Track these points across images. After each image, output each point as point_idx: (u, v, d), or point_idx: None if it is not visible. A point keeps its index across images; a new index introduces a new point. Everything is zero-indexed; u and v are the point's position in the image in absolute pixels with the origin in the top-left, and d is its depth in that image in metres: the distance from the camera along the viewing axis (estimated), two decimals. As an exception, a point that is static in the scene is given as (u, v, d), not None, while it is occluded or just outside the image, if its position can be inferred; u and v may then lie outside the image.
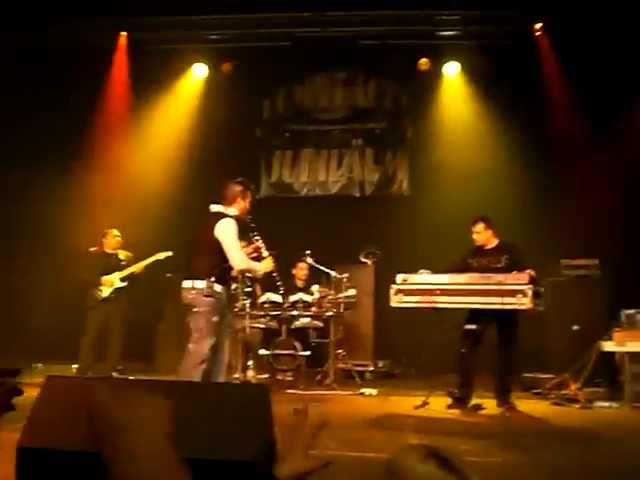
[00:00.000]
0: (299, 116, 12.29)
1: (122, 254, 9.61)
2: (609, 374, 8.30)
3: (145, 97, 11.63)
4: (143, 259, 9.46)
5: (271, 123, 12.35)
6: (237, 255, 6.24)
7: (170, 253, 9.40)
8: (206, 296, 6.12)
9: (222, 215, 6.30)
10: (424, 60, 11.34)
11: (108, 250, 9.60)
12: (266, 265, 6.60)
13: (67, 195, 10.94)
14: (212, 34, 11.67)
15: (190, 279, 6.22)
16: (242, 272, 6.92)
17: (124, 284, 9.44)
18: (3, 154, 11.05)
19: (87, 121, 11.34)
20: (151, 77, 11.61)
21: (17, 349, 10.18)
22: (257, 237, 6.68)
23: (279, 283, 7.32)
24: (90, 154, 11.28)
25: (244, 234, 6.75)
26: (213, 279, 6.14)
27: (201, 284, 6.13)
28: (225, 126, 11.50)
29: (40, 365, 9.85)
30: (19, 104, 10.93)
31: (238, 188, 6.46)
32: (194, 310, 6.17)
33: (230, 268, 6.35)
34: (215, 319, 6.14)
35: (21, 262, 11.21)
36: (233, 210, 6.40)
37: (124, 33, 11.66)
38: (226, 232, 6.21)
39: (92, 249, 9.63)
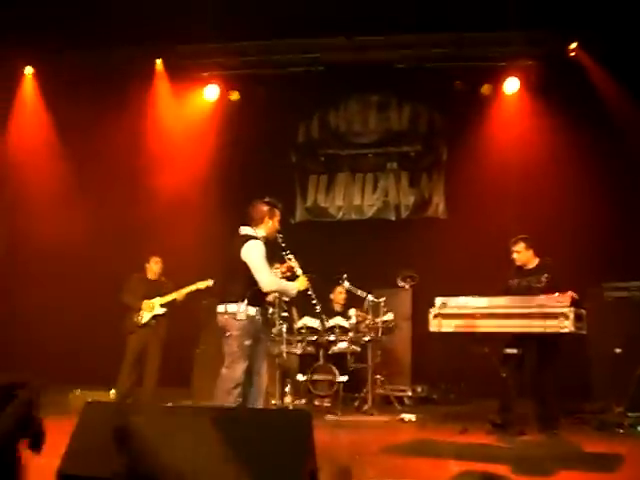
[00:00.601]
0: (334, 140, 12.30)
1: (163, 280, 9.73)
2: (652, 398, 8.11)
3: (182, 123, 11.72)
4: (183, 287, 9.48)
5: (306, 147, 12.37)
6: (265, 277, 6.18)
7: (211, 283, 9.42)
8: (238, 320, 6.08)
9: (249, 237, 6.28)
10: (486, 86, 11.25)
11: (150, 276, 9.74)
12: (299, 284, 6.46)
13: (109, 221, 11.17)
14: (245, 60, 11.71)
15: (223, 303, 6.21)
16: (273, 293, 6.74)
17: (164, 310, 9.51)
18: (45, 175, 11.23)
19: (128, 147, 11.47)
20: (189, 103, 11.75)
21: (55, 375, 10.28)
22: (290, 256, 6.56)
23: (314, 302, 7.01)
24: (129, 179, 11.45)
25: (276, 254, 6.70)
26: (245, 302, 6.11)
27: (233, 307, 6.11)
28: (261, 151, 11.60)
29: (79, 391, 9.86)
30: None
31: (265, 208, 6.39)
32: (227, 334, 6.14)
33: (267, 292, 6.35)
34: (247, 343, 6.08)
35: (61, 286, 11.30)
36: (261, 231, 6.36)
37: (159, 60, 11.74)
38: (253, 254, 6.18)
39: (135, 274, 9.76)
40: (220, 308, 6.22)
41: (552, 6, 9.70)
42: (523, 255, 7.81)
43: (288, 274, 6.60)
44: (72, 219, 11.23)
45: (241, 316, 6.07)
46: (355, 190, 12.15)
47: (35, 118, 11.72)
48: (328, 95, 12.10)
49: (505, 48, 11.06)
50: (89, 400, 3.64)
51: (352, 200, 12.13)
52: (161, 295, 9.51)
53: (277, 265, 6.74)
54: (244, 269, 6.15)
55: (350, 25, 10.84)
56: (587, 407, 8.61)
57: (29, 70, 11.72)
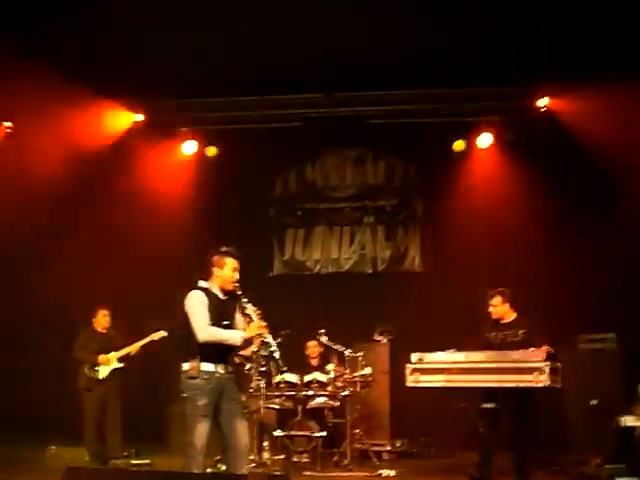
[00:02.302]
0: (311, 194, 12.45)
1: (113, 333, 9.61)
2: (629, 449, 8.14)
3: (159, 178, 11.77)
4: (137, 339, 9.46)
5: (283, 202, 12.50)
6: (198, 326, 5.68)
7: (164, 333, 9.40)
8: (190, 378, 5.67)
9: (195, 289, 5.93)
10: (458, 142, 11.45)
11: (100, 329, 9.61)
12: (248, 331, 5.83)
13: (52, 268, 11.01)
14: (223, 115, 11.88)
15: (181, 362, 5.79)
16: (209, 343, 5.76)
17: (121, 365, 9.43)
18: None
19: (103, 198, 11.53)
20: (167, 158, 11.82)
21: (29, 431, 10.17)
22: (247, 304, 5.94)
23: (273, 348, 6.05)
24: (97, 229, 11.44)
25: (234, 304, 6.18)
26: (198, 358, 5.67)
27: (185, 366, 5.71)
28: (237, 206, 11.68)
29: (54, 448, 9.75)
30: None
31: (214, 257, 5.91)
32: (183, 396, 5.74)
33: (230, 346, 5.82)
34: (202, 403, 5.61)
35: (33, 341, 11.20)
36: (212, 282, 5.90)
37: (140, 116, 11.85)
38: (188, 304, 5.79)
39: (85, 328, 9.62)
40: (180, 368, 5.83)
41: (521, 63, 9.96)
42: (500, 309, 7.89)
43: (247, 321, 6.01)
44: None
45: (193, 373, 5.65)
46: (332, 243, 12.27)
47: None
48: (305, 150, 12.27)
49: (477, 104, 11.31)
50: (69, 465, 3.64)
51: (329, 253, 12.25)
52: (114, 348, 9.40)
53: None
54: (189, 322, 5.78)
55: (327, 81, 11.07)
56: (564, 459, 8.63)
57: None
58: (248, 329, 5.81)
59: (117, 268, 11.13)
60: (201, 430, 5.59)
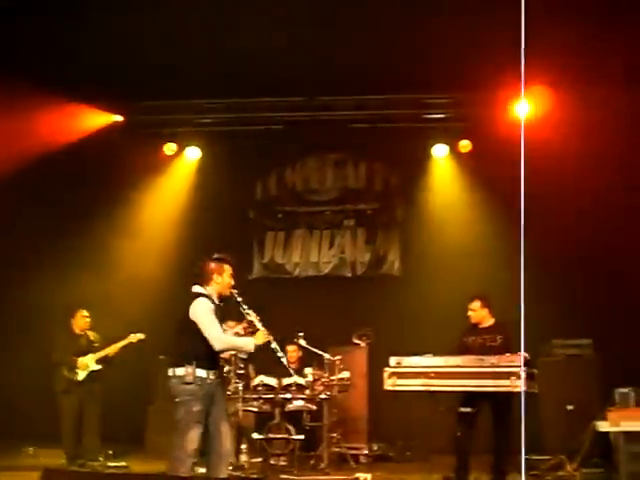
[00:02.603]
0: (291, 197, 12.45)
1: (92, 335, 9.53)
2: (605, 454, 8.22)
3: (137, 180, 11.76)
4: (115, 341, 9.41)
5: (263, 204, 12.49)
6: (214, 334, 5.86)
7: (142, 336, 9.42)
8: (186, 384, 5.79)
9: (197, 295, 6.02)
10: (465, 142, 11.50)
11: (77, 331, 9.52)
12: (257, 339, 6.07)
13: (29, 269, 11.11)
14: (205, 118, 11.88)
15: (172, 366, 5.92)
16: (225, 352, 6.33)
17: (99, 367, 9.36)
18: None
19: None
20: (143, 160, 11.76)
21: (6, 432, 10.12)
22: (248, 311, 6.22)
23: (280, 354, 6.51)
24: (78, 232, 11.41)
25: (232, 311, 6.44)
26: (194, 364, 5.81)
27: (180, 371, 5.82)
28: (218, 208, 11.68)
29: (31, 449, 9.70)
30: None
31: (212, 265, 6.11)
32: (175, 400, 5.85)
33: (217, 351, 6.00)
34: (197, 409, 5.76)
35: (4, 341, 11.16)
36: (210, 288, 6.07)
37: (119, 117, 11.83)
38: (199, 312, 5.90)
39: (62, 330, 9.54)
40: (170, 372, 5.92)
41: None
42: (479, 313, 7.96)
43: (250, 330, 6.24)
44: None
45: (189, 379, 5.78)
46: (312, 247, 12.27)
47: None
48: (286, 153, 12.27)
49: (460, 109, 11.36)
50: (46, 466, 3.63)
51: (309, 257, 12.25)
52: (92, 350, 9.34)
53: (230, 323, 6.56)
54: (192, 329, 5.88)
55: (308, 85, 11.10)
56: (541, 464, 8.68)
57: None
58: (257, 336, 6.07)
59: (97, 270, 11.14)
60: (193, 435, 5.72)
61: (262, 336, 6.07)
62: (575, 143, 9.98)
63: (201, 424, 5.78)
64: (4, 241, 11.06)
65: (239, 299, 6.20)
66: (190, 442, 5.70)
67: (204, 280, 6.10)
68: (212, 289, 6.07)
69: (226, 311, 6.30)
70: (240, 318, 6.38)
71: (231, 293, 6.16)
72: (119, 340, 9.40)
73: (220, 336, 5.90)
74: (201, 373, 5.82)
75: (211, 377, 5.88)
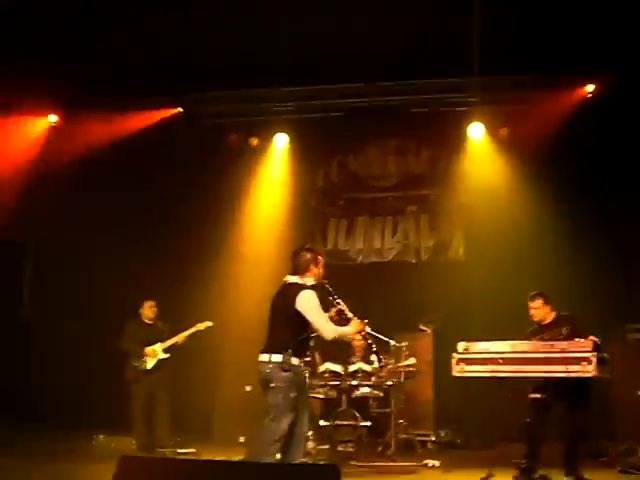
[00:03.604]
0: (353, 184, 12.43)
1: (160, 324, 9.71)
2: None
3: (200, 169, 11.87)
4: (183, 330, 9.53)
5: (326, 192, 12.51)
6: (325, 325, 6.02)
7: (210, 323, 9.50)
8: (285, 371, 5.91)
9: (300, 286, 6.10)
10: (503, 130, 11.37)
11: (146, 320, 9.72)
12: (354, 327, 6.27)
13: (105, 262, 11.27)
14: (268, 106, 11.90)
15: (267, 353, 6.00)
16: (333, 340, 6.19)
17: (167, 355, 9.51)
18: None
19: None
20: (209, 149, 11.90)
21: (75, 422, 10.34)
22: (338, 300, 6.39)
23: (371, 341, 6.86)
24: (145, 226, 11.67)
25: (323, 300, 6.40)
26: (290, 352, 5.94)
27: (278, 358, 5.92)
28: (280, 196, 11.71)
29: (102, 437, 9.88)
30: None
31: (309, 255, 6.26)
32: (271, 385, 5.92)
33: (308, 340, 6.13)
34: (293, 395, 5.90)
35: (77, 328, 11.40)
36: (309, 279, 6.20)
37: (179, 109, 11.95)
38: (309, 304, 6.00)
39: (132, 320, 9.75)
40: (263, 357, 6.02)
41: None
42: (541, 311, 7.79)
43: (336, 318, 6.35)
44: (81, 266, 11.40)
45: (286, 366, 5.91)
46: (375, 233, 12.24)
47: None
48: (347, 140, 12.24)
49: (519, 92, 11.18)
50: (121, 454, 3.68)
51: (372, 243, 12.22)
52: (161, 339, 9.50)
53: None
54: (293, 318, 5.99)
55: (368, 71, 11.04)
56: (611, 450, 8.54)
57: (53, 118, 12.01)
58: (353, 324, 6.25)
59: (166, 261, 11.35)
60: (287, 421, 5.85)
61: (357, 325, 6.27)
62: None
63: (295, 411, 5.93)
64: (70, 234, 11.30)
65: (330, 289, 6.39)
66: (284, 427, 5.84)
67: (301, 270, 6.22)
68: (309, 279, 6.20)
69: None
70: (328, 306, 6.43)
71: (322, 283, 6.33)
72: (187, 329, 9.52)
73: (331, 326, 6.06)
74: (295, 361, 5.96)
75: (302, 366, 6.08)
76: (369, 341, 6.72)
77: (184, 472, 3.47)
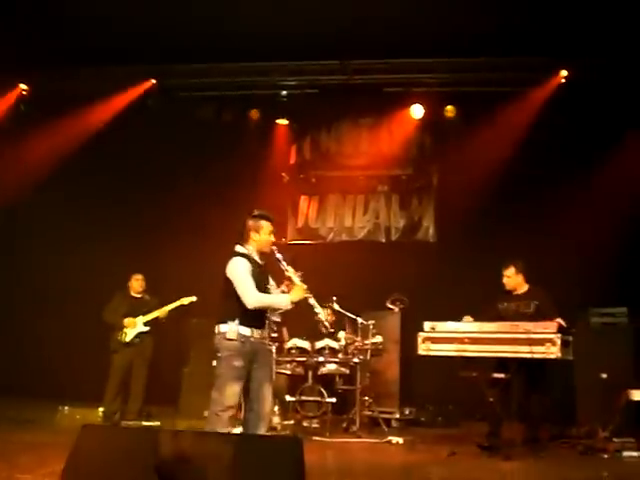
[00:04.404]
0: (325, 162, 12.41)
1: (147, 298, 9.74)
2: (637, 423, 8.17)
3: (173, 143, 11.81)
4: (167, 304, 9.52)
5: (298, 169, 12.48)
6: (247, 293, 5.83)
7: (194, 298, 9.49)
8: (228, 339, 5.81)
9: (233, 254, 6.02)
10: (450, 107, 11.41)
11: (133, 294, 9.76)
12: (293, 295, 5.97)
13: (93, 239, 11.31)
14: (239, 82, 11.82)
15: (217, 323, 5.94)
16: (259, 309, 5.97)
17: (147, 328, 9.54)
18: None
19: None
20: (180, 123, 11.85)
21: (42, 392, 10.33)
22: (287, 267, 6.10)
23: (317, 310, 6.26)
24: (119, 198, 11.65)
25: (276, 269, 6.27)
26: (237, 321, 5.83)
27: (224, 327, 5.84)
28: (252, 172, 11.66)
29: (66, 408, 9.85)
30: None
31: (250, 222, 6.06)
32: (218, 355, 5.88)
33: (265, 311, 5.99)
34: (237, 364, 5.76)
35: (47, 305, 11.41)
36: (250, 247, 6.05)
37: (153, 80, 11.85)
38: (233, 271, 5.91)
39: (119, 292, 9.79)
40: (215, 329, 5.95)
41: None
42: (513, 280, 7.94)
43: (291, 288, 6.06)
44: (59, 236, 11.36)
45: (231, 335, 5.79)
46: (346, 212, 12.25)
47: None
48: (320, 117, 12.20)
49: (495, 74, 11.21)
50: (83, 423, 3.68)
51: (343, 222, 12.23)
52: (144, 313, 9.54)
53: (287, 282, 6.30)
54: (231, 287, 5.90)
55: (343, 49, 11.00)
56: (573, 432, 8.66)
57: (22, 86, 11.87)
58: (293, 292, 5.96)
59: (150, 236, 11.47)
60: (231, 391, 5.73)
61: (299, 291, 5.97)
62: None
63: (241, 381, 5.78)
64: (64, 211, 11.42)
65: (278, 256, 6.09)
66: (228, 397, 5.71)
67: (243, 238, 6.08)
68: (251, 247, 6.05)
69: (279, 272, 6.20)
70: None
71: (272, 250, 6.08)
72: (170, 303, 9.51)
73: (252, 294, 5.83)
74: (244, 331, 5.84)
75: (255, 336, 5.88)
76: (316, 309, 6.23)
77: (145, 441, 3.47)
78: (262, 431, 5.80)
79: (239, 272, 5.90)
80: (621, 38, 9.86)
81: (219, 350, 5.87)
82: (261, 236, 6.04)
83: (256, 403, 5.86)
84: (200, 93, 11.94)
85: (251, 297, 5.83)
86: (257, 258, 6.04)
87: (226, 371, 5.79)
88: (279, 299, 6.03)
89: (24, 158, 11.42)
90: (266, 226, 6.06)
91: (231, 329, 5.82)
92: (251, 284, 5.86)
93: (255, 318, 5.91)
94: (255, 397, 5.87)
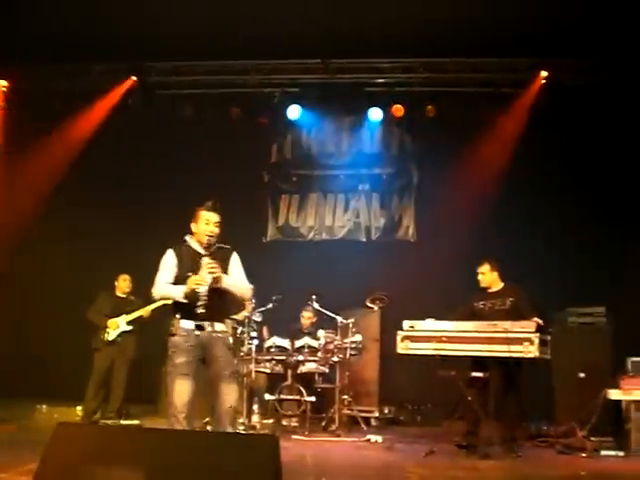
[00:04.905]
0: (306, 161, 12.41)
1: (132, 298, 9.72)
2: (615, 422, 8.22)
3: (154, 141, 11.76)
4: (151, 303, 9.49)
5: (278, 168, 12.47)
6: (154, 286, 5.76)
7: None
8: (170, 335, 5.64)
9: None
10: (430, 107, 11.42)
11: (119, 293, 9.75)
12: (188, 285, 5.60)
13: (78, 238, 11.28)
14: (221, 80, 11.79)
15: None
16: (159, 299, 5.97)
17: (130, 327, 9.51)
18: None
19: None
20: (161, 120, 11.80)
21: (21, 391, 10.27)
22: (204, 257, 5.73)
23: (200, 303, 5.62)
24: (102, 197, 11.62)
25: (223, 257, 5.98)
26: (178, 315, 5.67)
27: (171, 324, 5.71)
28: (233, 171, 11.64)
29: (44, 407, 9.81)
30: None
31: (195, 213, 5.87)
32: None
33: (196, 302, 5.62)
34: (179, 361, 5.55)
35: (26, 303, 11.35)
36: (190, 237, 5.88)
37: (133, 77, 11.80)
38: (160, 263, 5.83)
39: (103, 292, 9.77)
40: None
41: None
42: (488, 277, 7.96)
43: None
44: (40, 234, 11.30)
45: (172, 330, 5.63)
46: (326, 210, 12.26)
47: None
48: (301, 116, 12.18)
49: (476, 74, 11.26)
50: (60, 421, 3.66)
51: (323, 220, 12.24)
52: (127, 312, 9.52)
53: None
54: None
55: (324, 48, 11.02)
56: (551, 431, 8.71)
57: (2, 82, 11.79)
58: (187, 283, 5.61)
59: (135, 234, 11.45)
60: (179, 388, 5.50)
61: (191, 281, 5.59)
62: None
63: (188, 376, 5.54)
64: (47, 210, 11.42)
65: (199, 249, 5.80)
66: (177, 396, 5.49)
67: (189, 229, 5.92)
68: (192, 238, 5.87)
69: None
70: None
71: (208, 241, 5.78)
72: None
73: (157, 284, 5.75)
74: (186, 324, 5.63)
75: (204, 329, 5.64)
76: (199, 302, 5.64)
77: (120, 439, 3.46)
78: (224, 428, 5.56)
79: (161, 264, 5.81)
80: (603, 40, 9.93)
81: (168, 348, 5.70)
82: (198, 226, 5.80)
83: (215, 401, 5.63)
84: (180, 91, 11.89)
85: (154, 288, 5.78)
86: (199, 249, 5.81)
87: (171, 369, 5.61)
88: (176, 290, 5.69)
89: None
90: (203, 215, 5.78)
91: (173, 324, 5.68)
92: (162, 275, 5.75)
93: (194, 311, 5.60)
94: (214, 394, 5.63)
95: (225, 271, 5.81)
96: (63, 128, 11.49)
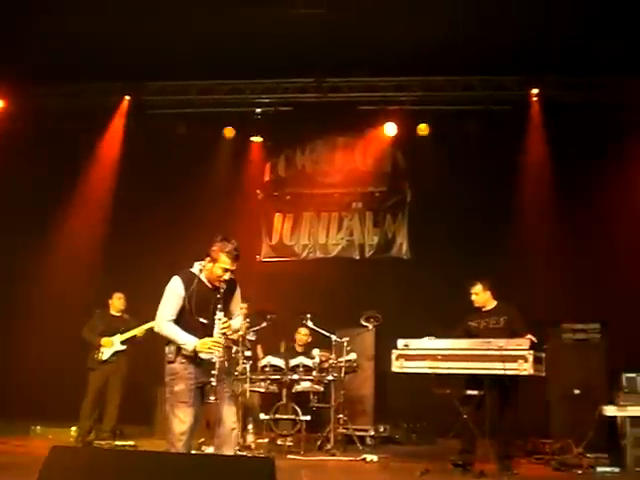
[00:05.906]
0: (300, 179, 12.43)
1: (126, 317, 9.71)
2: (611, 439, 8.22)
3: (147, 160, 11.78)
4: (145, 323, 9.46)
5: (272, 186, 12.48)
6: (159, 314, 5.49)
7: None
8: (168, 362, 5.44)
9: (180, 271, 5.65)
10: (423, 126, 11.50)
11: (113, 312, 9.74)
12: (200, 345, 5.35)
13: (75, 255, 11.29)
14: (214, 99, 11.84)
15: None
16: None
17: (124, 347, 9.49)
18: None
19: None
20: (155, 140, 11.84)
21: (14, 411, 10.21)
22: (219, 315, 5.44)
23: (214, 372, 5.32)
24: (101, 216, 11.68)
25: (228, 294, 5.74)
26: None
27: (166, 350, 5.47)
28: (227, 189, 11.66)
29: (38, 428, 9.78)
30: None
31: (213, 248, 5.48)
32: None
33: (203, 327, 5.43)
34: (179, 388, 5.36)
35: (20, 322, 11.29)
36: (195, 267, 5.59)
37: (127, 97, 11.84)
38: (166, 288, 5.55)
39: (98, 311, 9.76)
40: None
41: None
42: (481, 296, 7.97)
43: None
44: (36, 252, 11.29)
45: (170, 357, 5.42)
46: (320, 229, 12.26)
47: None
48: (295, 135, 12.23)
49: (467, 92, 11.35)
50: (54, 444, 3.64)
51: (317, 239, 12.24)
52: (121, 331, 9.51)
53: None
54: None
55: (317, 67, 11.08)
56: (546, 448, 8.70)
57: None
58: (202, 342, 5.35)
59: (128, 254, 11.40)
60: (181, 415, 5.35)
61: (203, 345, 5.36)
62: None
63: (187, 404, 5.37)
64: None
65: (218, 296, 5.45)
66: (177, 424, 5.34)
67: (204, 257, 5.56)
68: (203, 272, 5.56)
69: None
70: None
71: (219, 285, 5.48)
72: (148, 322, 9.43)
73: (163, 319, 5.48)
74: (186, 351, 5.41)
75: (200, 356, 5.40)
76: (213, 372, 5.34)
77: (115, 462, 3.45)
78: (227, 451, 5.44)
79: (166, 291, 5.52)
80: (593, 57, 10.00)
81: (165, 374, 5.53)
82: (215, 268, 5.47)
83: (216, 423, 5.49)
84: (175, 110, 11.91)
85: (158, 319, 5.51)
86: (207, 282, 5.55)
87: (170, 396, 5.42)
88: (185, 339, 5.41)
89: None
90: (223, 261, 5.45)
91: (170, 350, 5.45)
92: (168, 308, 5.49)
93: (200, 336, 5.41)
94: (217, 417, 5.49)
95: (228, 304, 5.66)
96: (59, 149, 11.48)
